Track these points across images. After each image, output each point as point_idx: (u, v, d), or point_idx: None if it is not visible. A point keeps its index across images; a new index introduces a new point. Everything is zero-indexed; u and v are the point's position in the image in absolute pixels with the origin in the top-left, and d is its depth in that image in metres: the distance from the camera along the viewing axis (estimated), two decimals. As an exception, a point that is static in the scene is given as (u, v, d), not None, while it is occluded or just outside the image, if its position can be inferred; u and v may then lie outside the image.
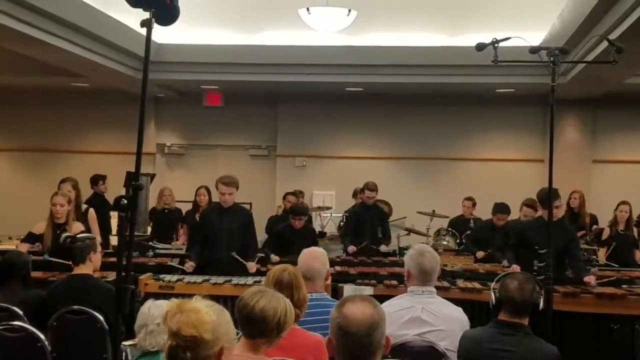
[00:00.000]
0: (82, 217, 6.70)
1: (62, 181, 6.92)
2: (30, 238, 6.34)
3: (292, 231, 7.49)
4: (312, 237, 7.68)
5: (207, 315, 2.22)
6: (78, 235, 4.92)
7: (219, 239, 6.36)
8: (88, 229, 6.43)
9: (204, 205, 8.03)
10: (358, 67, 9.97)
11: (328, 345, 2.34)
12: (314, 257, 3.80)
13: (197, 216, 7.81)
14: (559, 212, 6.07)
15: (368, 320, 2.26)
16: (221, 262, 6.28)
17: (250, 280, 5.81)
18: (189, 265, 6.28)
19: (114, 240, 7.88)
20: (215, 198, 7.05)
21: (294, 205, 7.99)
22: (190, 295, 2.40)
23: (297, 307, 3.25)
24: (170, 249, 8.13)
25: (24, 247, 6.10)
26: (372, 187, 8.19)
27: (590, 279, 5.86)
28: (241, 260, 6.26)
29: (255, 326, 2.74)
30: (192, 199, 8.61)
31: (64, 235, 4.79)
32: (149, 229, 9.63)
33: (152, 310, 3.27)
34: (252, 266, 6.28)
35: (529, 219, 6.84)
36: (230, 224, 6.37)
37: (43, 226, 6.29)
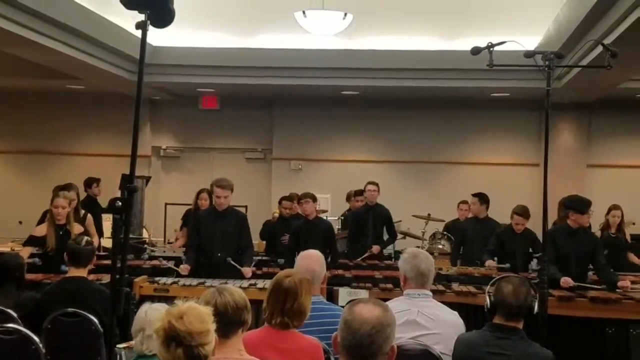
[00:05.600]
0: (81, 222, 6.78)
1: (65, 188, 6.99)
2: (32, 241, 6.33)
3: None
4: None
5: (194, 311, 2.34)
6: (86, 239, 4.94)
7: (213, 242, 6.35)
8: (87, 233, 6.43)
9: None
10: (354, 70, 9.97)
11: (334, 341, 2.37)
12: (315, 260, 3.77)
13: None
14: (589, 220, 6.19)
15: (372, 320, 2.29)
16: (214, 264, 6.28)
17: (245, 283, 5.80)
18: (184, 267, 6.25)
19: (105, 243, 7.86)
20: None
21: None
22: (184, 298, 2.42)
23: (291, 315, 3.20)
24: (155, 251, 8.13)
25: (27, 251, 6.08)
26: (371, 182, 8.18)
27: (624, 283, 5.89)
28: (236, 265, 6.24)
29: None
30: (187, 202, 8.57)
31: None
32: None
33: (150, 314, 3.25)
34: (247, 271, 6.24)
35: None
36: (225, 227, 6.37)
37: (44, 228, 6.29)
